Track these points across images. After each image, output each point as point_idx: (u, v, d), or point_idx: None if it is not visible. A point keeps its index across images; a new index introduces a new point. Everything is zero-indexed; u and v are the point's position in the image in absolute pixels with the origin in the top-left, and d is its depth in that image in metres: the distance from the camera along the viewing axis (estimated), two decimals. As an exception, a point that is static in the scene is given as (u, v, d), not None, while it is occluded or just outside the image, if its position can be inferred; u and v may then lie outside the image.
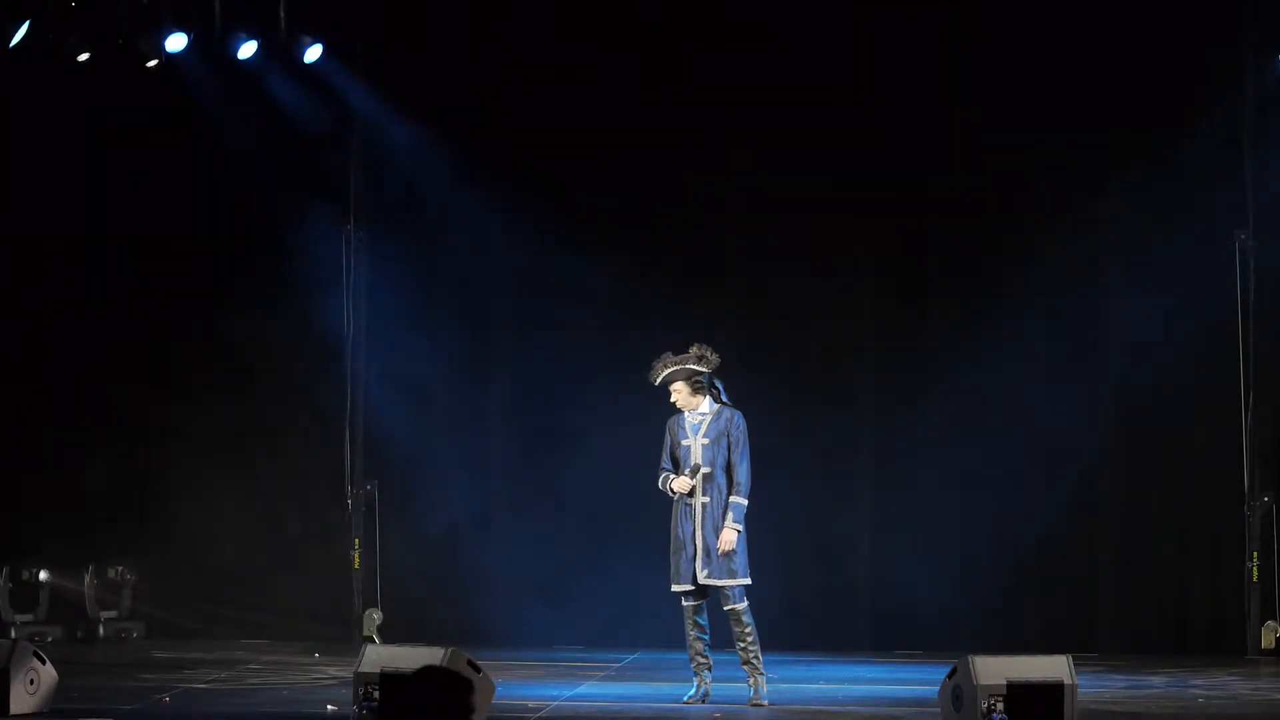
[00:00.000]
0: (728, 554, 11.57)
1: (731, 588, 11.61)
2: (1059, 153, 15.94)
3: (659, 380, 11.74)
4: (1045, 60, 15.79)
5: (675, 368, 11.73)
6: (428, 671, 5.49)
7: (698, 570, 11.62)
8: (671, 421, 11.83)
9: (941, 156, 16.21)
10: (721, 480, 11.69)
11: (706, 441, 11.71)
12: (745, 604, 11.62)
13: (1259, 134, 15.51)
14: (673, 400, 11.78)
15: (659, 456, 11.84)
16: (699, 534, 11.64)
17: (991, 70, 15.86)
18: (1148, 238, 15.68)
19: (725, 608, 11.63)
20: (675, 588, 11.74)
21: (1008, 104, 15.85)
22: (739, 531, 11.61)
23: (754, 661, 11.67)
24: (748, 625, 11.60)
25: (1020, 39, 15.83)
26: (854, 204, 16.27)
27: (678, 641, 11.91)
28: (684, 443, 11.74)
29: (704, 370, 11.74)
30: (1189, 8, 15.57)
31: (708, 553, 11.60)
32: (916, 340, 16.20)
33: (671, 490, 11.71)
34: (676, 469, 11.75)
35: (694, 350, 11.76)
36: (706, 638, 11.74)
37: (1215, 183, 15.55)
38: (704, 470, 11.67)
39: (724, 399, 11.82)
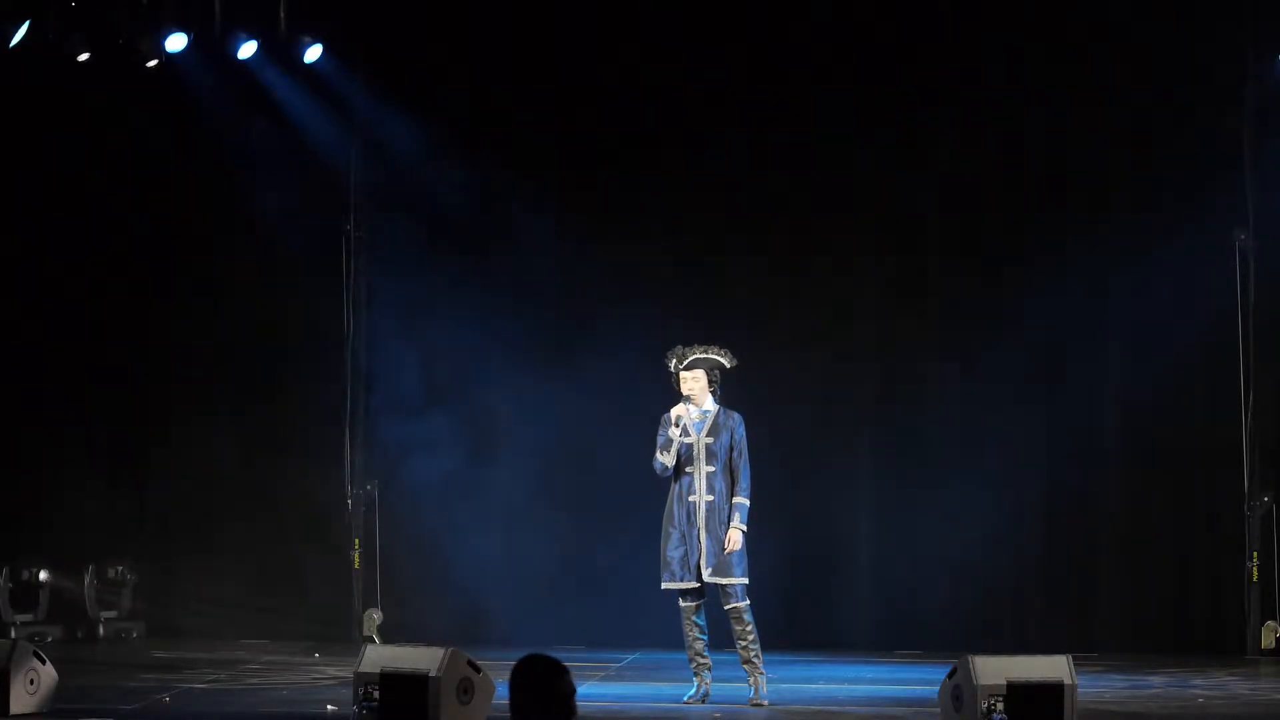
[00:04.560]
0: (731, 553, 11.58)
1: (734, 586, 11.61)
2: (1059, 152, 15.94)
3: (688, 360, 11.72)
4: (1046, 59, 15.79)
5: (704, 355, 11.75)
6: (526, 661, 5.93)
7: (702, 568, 11.62)
8: (670, 415, 11.79)
9: (943, 156, 16.21)
10: (722, 480, 11.69)
11: (710, 440, 11.72)
12: (747, 603, 11.63)
13: (1259, 134, 15.51)
14: (683, 388, 11.73)
15: (655, 451, 11.79)
16: (703, 533, 11.65)
17: (991, 70, 15.86)
18: (1148, 238, 15.68)
19: (726, 606, 11.63)
20: (670, 585, 11.72)
21: (1008, 103, 15.85)
22: (744, 531, 11.63)
23: (754, 661, 11.67)
24: (749, 624, 11.60)
25: (1021, 38, 15.84)
26: (854, 202, 16.28)
27: (678, 641, 11.90)
28: (685, 440, 11.73)
29: (726, 367, 11.77)
30: (1189, 8, 15.58)
31: (712, 551, 11.60)
32: (916, 340, 16.22)
33: (671, 434, 11.61)
34: (676, 464, 11.73)
35: (721, 348, 11.78)
36: (705, 638, 11.74)
37: (1215, 183, 15.55)
38: (705, 469, 11.68)
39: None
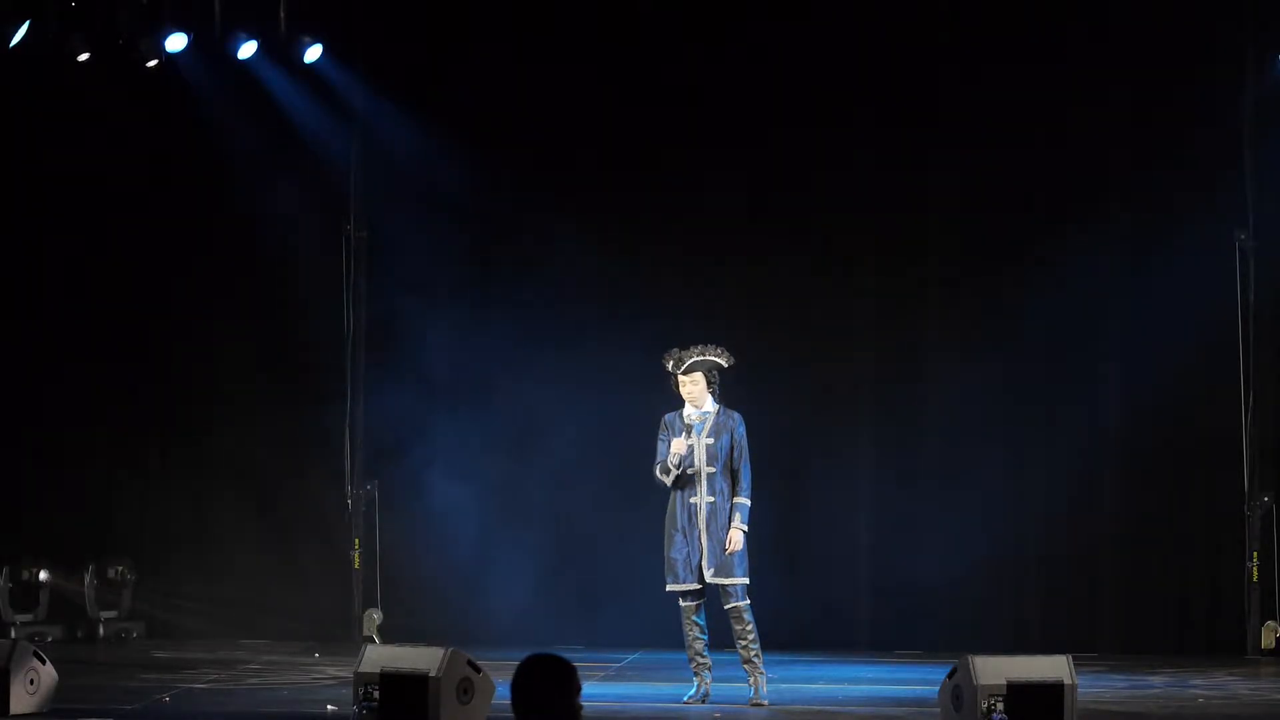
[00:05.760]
0: (732, 553, 11.58)
1: (734, 586, 11.61)
2: (1060, 152, 15.94)
3: (687, 363, 11.70)
4: (1046, 60, 15.79)
5: (702, 358, 11.73)
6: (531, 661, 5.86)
7: (704, 568, 11.62)
8: (670, 418, 11.80)
9: (943, 156, 16.20)
10: (724, 481, 11.69)
11: (710, 441, 11.71)
12: (747, 602, 11.63)
13: (1259, 134, 15.51)
14: (683, 390, 11.73)
15: (655, 453, 11.80)
16: (704, 534, 11.64)
17: (992, 69, 15.86)
18: (1148, 238, 15.69)
19: (727, 606, 11.63)
20: (673, 587, 11.74)
21: (1009, 103, 15.85)
22: (745, 531, 11.63)
23: (754, 660, 11.67)
24: (749, 624, 11.60)
25: (1021, 38, 15.84)
26: (854, 200, 16.28)
27: (678, 641, 11.90)
28: (686, 441, 11.72)
29: (724, 367, 11.76)
30: (1189, 7, 15.58)
31: (714, 552, 11.60)
32: (917, 340, 16.22)
33: (670, 465, 11.63)
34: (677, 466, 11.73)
35: (717, 348, 11.77)
36: (705, 638, 11.74)
37: (1215, 183, 15.56)
38: (706, 470, 11.68)
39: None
